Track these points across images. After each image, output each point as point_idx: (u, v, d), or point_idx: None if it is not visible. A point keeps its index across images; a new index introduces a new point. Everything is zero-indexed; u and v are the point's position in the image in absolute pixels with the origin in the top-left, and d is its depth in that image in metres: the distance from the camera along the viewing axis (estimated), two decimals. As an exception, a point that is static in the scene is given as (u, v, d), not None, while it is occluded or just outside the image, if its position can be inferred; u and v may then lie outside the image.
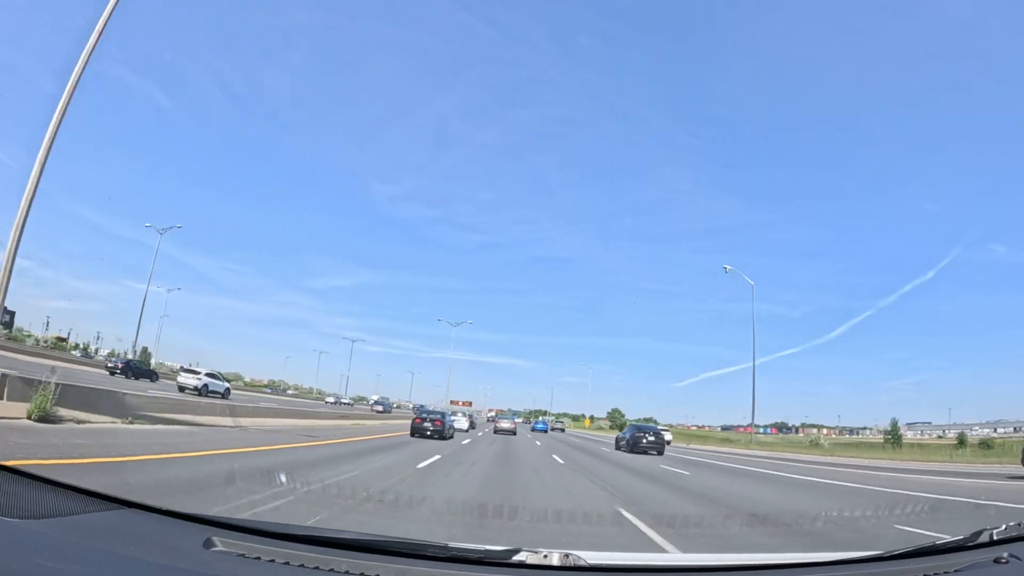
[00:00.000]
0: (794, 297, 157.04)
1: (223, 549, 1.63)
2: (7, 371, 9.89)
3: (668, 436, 43.45)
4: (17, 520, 1.51)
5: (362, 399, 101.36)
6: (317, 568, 1.55)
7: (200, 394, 30.30)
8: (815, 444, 48.78)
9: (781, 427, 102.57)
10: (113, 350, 70.49)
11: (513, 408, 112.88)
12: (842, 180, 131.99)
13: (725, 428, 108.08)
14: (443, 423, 21.81)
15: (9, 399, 9.28)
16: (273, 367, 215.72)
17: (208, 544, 1.64)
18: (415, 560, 1.73)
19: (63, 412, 9.84)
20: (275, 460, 9.73)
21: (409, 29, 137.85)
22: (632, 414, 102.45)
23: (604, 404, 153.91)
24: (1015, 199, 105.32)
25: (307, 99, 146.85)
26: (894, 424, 46.47)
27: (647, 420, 78.18)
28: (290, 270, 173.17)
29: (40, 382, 9.60)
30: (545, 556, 1.81)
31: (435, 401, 75.60)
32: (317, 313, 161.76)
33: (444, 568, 1.70)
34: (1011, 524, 2.07)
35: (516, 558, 1.80)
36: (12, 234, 10.92)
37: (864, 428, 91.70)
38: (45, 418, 9.36)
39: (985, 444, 39.76)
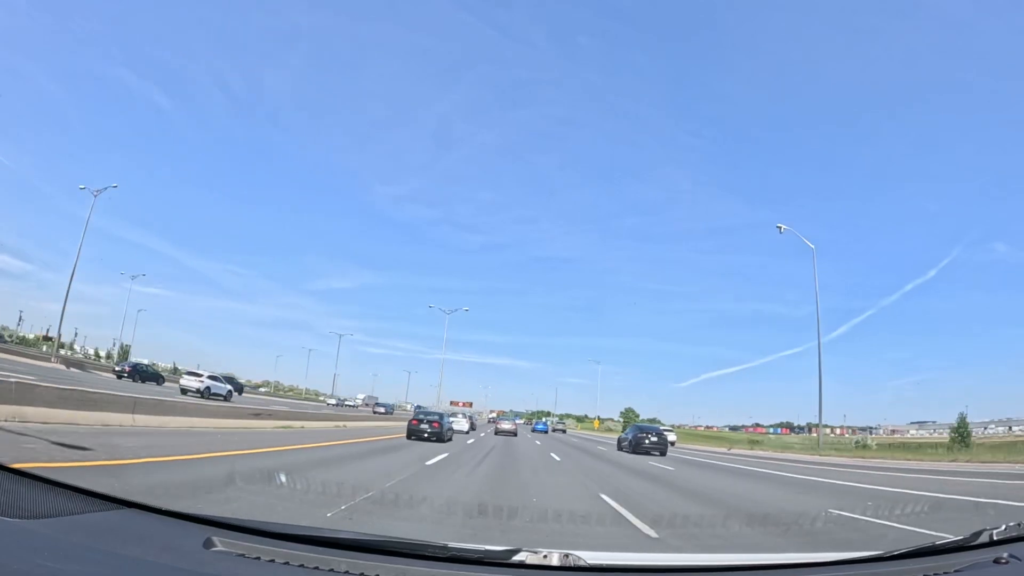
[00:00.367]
0: (796, 297, 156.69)
1: (223, 549, 1.63)
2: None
3: (672, 437, 43.05)
4: (17, 520, 1.52)
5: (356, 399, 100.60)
6: (317, 568, 1.55)
7: (203, 396, 30.39)
8: (863, 446, 41.22)
9: (792, 428, 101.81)
10: (97, 349, 70.35)
11: (515, 409, 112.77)
12: (843, 180, 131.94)
13: (733, 428, 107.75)
14: (441, 425, 21.39)
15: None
16: (265, 367, 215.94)
17: (208, 544, 1.65)
18: (415, 560, 1.73)
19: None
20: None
21: (409, 29, 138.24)
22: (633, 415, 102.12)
23: (607, 404, 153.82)
24: (1017, 198, 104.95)
25: (307, 100, 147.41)
26: (962, 420, 35.83)
27: (651, 421, 77.85)
28: (291, 272, 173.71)
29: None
30: (545, 556, 1.81)
31: (431, 401, 74.86)
32: (318, 315, 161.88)
33: (444, 568, 1.70)
34: (1011, 524, 2.07)
35: (516, 558, 1.80)
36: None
37: (870, 428, 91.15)
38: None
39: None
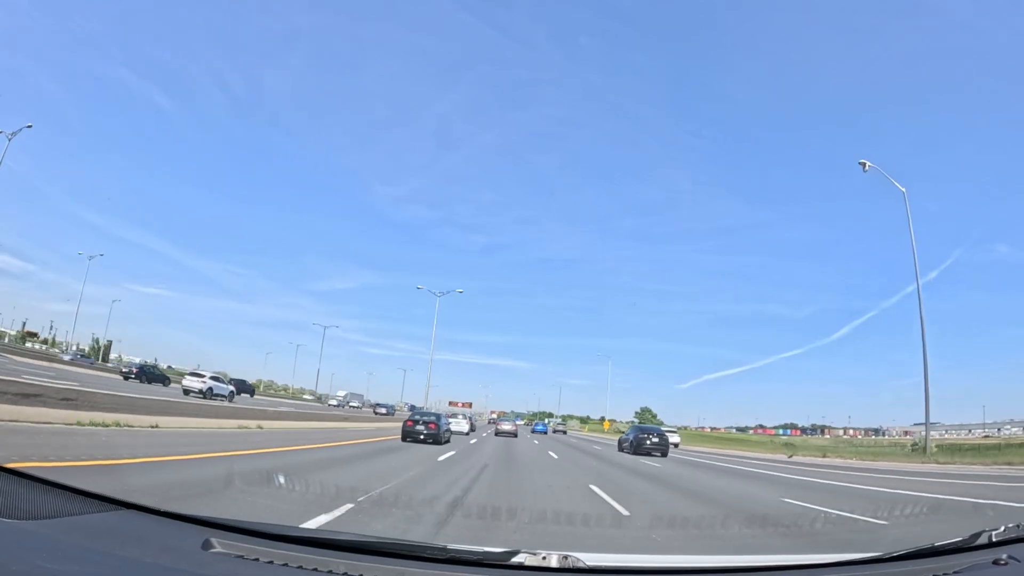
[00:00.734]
0: (797, 297, 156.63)
1: (221, 550, 1.63)
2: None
3: (676, 439, 42.76)
4: (16, 521, 1.52)
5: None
6: (315, 570, 1.55)
7: (205, 397, 30.46)
8: (919, 449, 30.07)
9: (803, 430, 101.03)
10: (78, 344, 70.50)
11: (516, 410, 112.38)
12: (843, 180, 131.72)
13: (740, 429, 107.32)
14: (438, 426, 20.02)
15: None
16: (255, 364, 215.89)
17: (207, 545, 1.65)
18: (413, 562, 1.73)
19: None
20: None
21: (409, 29, 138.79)
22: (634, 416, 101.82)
23: (610, 405, 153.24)
24: (1018, 198, 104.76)
25: (308, 100, 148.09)
26: None
27: (654, 421, 77.70)
28: (291, 272, 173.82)
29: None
30: (544, 558, 1.81)
31: (422, 400, 74.43)
32: (318, 315, 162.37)
33: (442, 570, 1.70)
34: (1010, 526, 2.06)
35: (515, 560, 1.80)
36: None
37: (879, 429, 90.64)
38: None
39: None
